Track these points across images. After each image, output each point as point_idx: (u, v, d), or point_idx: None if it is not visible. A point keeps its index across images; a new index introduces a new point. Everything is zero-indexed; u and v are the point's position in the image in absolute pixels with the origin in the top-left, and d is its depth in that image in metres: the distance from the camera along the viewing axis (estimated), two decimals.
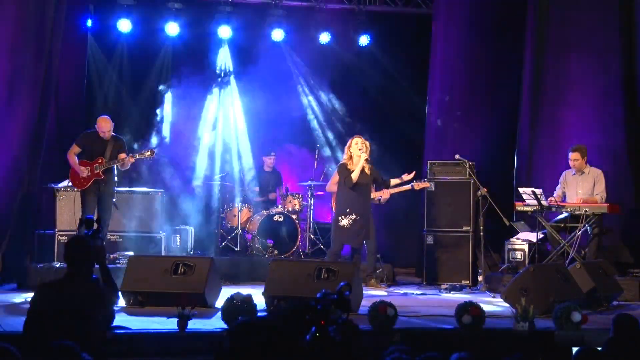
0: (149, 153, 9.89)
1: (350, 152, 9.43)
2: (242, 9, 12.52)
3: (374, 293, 9.18)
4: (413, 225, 12.15)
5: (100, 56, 12.23)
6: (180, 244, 11.52)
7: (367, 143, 9.47)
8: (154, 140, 12.41)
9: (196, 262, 8.37)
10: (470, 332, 6.92)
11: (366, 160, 9.36)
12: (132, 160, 9.65)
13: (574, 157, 10.06)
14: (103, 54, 12.29)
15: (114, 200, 10.55)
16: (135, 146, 11.44)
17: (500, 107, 11.82)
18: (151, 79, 12.52)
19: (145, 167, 12.04)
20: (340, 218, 9.39)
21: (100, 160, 9.58)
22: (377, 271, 10.28)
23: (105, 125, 9.61)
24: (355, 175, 9.31)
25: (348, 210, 9.36)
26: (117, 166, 9.67)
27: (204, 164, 12.72)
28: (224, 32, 12.46)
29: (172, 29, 12.23)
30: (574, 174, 10.17)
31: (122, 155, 9.58)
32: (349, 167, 9.41)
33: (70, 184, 9.83)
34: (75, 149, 9.62)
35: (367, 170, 9.45)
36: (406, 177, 9.84)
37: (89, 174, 9.53)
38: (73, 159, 9.57)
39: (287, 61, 13.08)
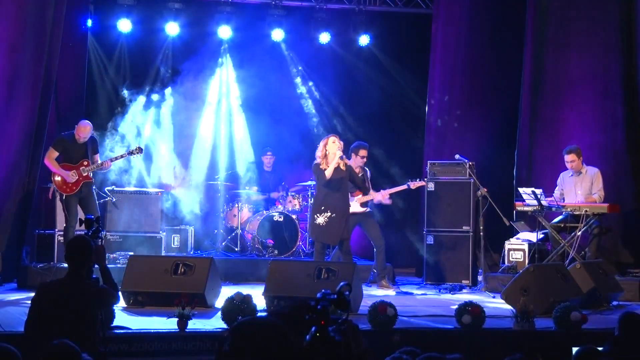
0: (136, 150, 9.89)
1: (326, 150, 9.32)
2: (242, 9, 12.51)
3: (383, 294, 9.27)
4: (413, 225, 12.16)
5: (100, 56, 12.23)
6: (180, 244, 11.52)
7: (341, 142, 9.39)
8: (153, 140, 12.41)
9: (196, 262, 8.39)
10: (470, 332, 6.93)
11: (340, 157, 9.26)
12: (111, 163, 9.73)
13: (570, 158, 10.07)
14: (103, 54, 12.29)
15: (114, 200, 10.56)
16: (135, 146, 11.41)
17: (500, 107, 11.81)
18: (151, 78, 12.51)
19: (145, 167, 12.04)
20: (315, 216, 9.32)
21: (85, 163, 9.51)
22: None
23: (86, 132, 9.49)
24: (329, 172, 9.19)
25: (323, 208, 9.27)
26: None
27: (204, 163, 12.72)
28: (224, 32, 12.46)
29: (172, 28, 12.22)
30: (572, 175, 10.18)
31: (108, 163, 9.64)
32: (322, 167, 9.31)
33: (54, 187, 9.62)
34: (54, 154, 9.51)
35: (342, 167, 9.34)
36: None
37: (78, 177, 9.49)
38: (56, 165, 9.48)
39: (287, 61, 13.08)
